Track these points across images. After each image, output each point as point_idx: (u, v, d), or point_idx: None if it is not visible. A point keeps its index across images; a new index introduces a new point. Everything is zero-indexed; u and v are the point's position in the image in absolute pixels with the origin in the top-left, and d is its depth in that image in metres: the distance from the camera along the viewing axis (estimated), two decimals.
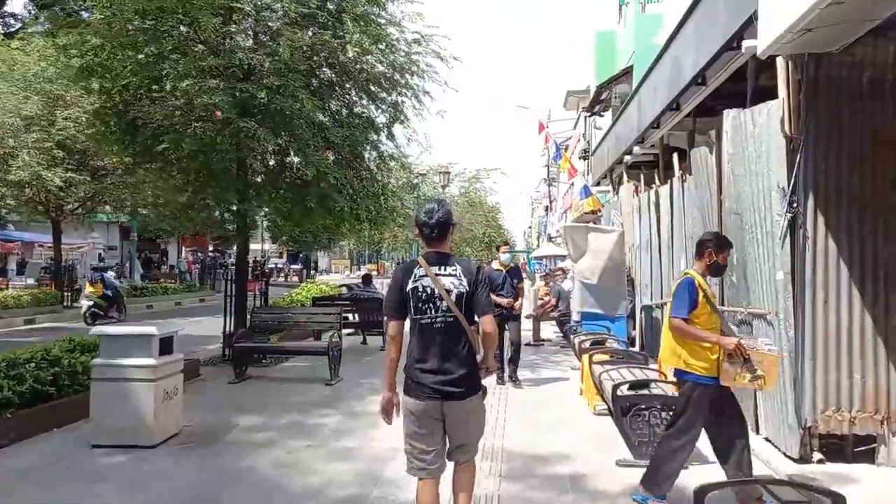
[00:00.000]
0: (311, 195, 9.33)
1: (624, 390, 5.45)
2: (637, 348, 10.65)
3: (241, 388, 8.36)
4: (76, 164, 17.26)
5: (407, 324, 3.48)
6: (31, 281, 21.81)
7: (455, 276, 3.40)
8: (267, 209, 9.90)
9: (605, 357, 7.42)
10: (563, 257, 23.48)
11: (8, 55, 17.11)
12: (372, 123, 11.02)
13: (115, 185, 18.00)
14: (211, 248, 42.98)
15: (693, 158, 7.71)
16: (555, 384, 8.82)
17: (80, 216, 20.05)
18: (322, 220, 9.56)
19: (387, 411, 3.46)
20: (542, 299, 18.97)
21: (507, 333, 8.64)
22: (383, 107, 11.33)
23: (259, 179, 10.09)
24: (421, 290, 3.37)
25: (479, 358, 3.45)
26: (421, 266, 3.42)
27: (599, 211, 19.35)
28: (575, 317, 10.23)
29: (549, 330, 14.44)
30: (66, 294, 19.44)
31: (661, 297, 9.98)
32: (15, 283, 21.27)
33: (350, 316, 11.80)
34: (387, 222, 11.14)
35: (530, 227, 77.97)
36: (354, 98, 11.34)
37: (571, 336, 9.75)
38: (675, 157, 9.27)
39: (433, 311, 3.34)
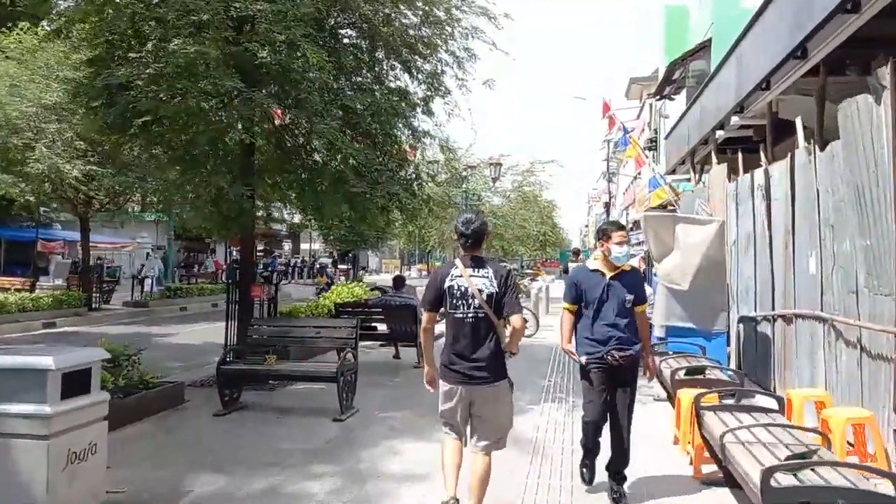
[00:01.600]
0: (323, 177, 7.37)
1: (782, 479, 3.22)
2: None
3: (225, 423, 6.44)
4: (101, 157, 15.93)
5: None
6: (59, 281, 20.73)
7: (487, 277, 3.79)
8: (263, 193, 7.97)
9: (714, 398, 5.17)
10: (631, 256, 20.96)
11: (31, 42, 15.92)
12: (406, 96, 9.02)
13: (141, 179, 16.61)
14: (260, 248, 42.04)
15: (844, 116, 5.37)
16: (637, 424, 6.56)
17: (112, 212, 18.82)
18: (336, 209, 7.58)
19: (430, 383, 3.99)
20: None
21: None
22: (420, 77, 9.33)
23: (265, 159, 8.23)
24: (456, 288, 3.79)
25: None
26: (458, 267, 3.84)
27: (672, 204, 16.83)
28: (657, 332, 7.95)
29: None
30: (94, 296, 18.18)
31: (773, 308, 7.62)
32: (44, 284, 20.23)
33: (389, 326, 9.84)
34: (421, 213, 9.10)
35: (587, 226, 74.83)
36: (386, 68, 9.37)
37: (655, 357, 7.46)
38: (799, 122, 6.89)
39: (466, 307, 3.76)
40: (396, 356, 10.25)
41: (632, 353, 4.50)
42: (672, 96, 20.79)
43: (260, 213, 9.43)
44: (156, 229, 34.58)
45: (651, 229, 7.94)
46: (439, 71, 9.32)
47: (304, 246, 47.18)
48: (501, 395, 3.80)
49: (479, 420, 3.77)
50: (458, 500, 3.69)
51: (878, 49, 7.29)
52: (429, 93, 9.37)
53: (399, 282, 10.22)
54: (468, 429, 3.84)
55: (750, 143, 10.42)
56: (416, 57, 9.13)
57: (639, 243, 23.63)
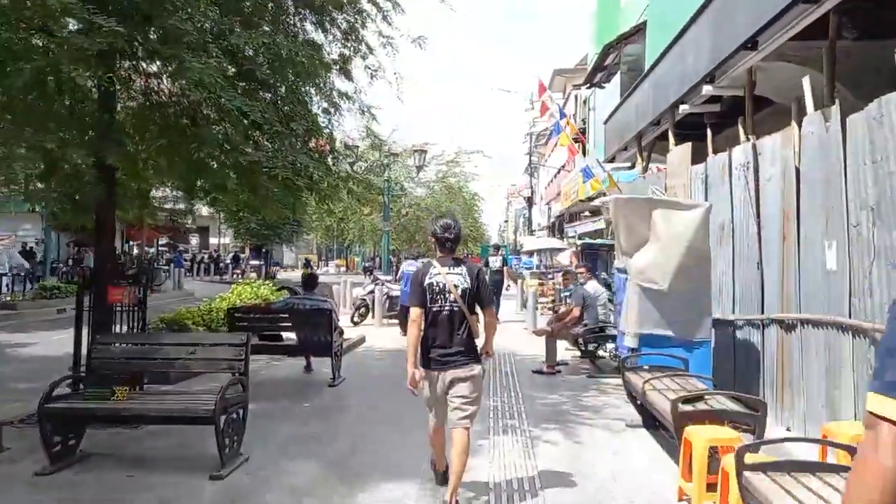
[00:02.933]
0: (203, 141, 5.39)
1: None
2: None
3: (47, 490, 4.37)
4: None
5: None
6: None
7: (461, 275, 4.14)
8: (129, 165, 5.84)
9: (761, 456, 3.62)
10: (560, 251, 19.64)
11: None
12: (318, 50, 7.14)
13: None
14: (163, 242, 38.48)
15: None
16: (616, 466, 4.99)
17: None
18: (222, 184, 5.61)
19: (413, 385, 4.09)
20: (551, 305, 15.22)
21: None
22: (336, 32, 7.49)
23: (126, 117, 6.13)
24: (435, 284, 4.12)
25: (478, 342, 4.24)
26: (436, 267, 4.18)
27: (607, 194, 15.62)
28: (628, 342, 6.43)
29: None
30: None
31: (762, 310, 6.28)
32: None
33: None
34: (338, 194, 7.24)
35: (506, 222, 74.40)
36: (294, 20, 7.45)
37: (628, 373, 5.93)
38: (807, 83, 5.52)
39: (443, 302, 4.09)
40: (308, 369, 8.32)
41: None
42: (603, 84, 19.71)
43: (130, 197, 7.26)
44: (42, 221, 30.66)
45: (620, 216, 6.42)
46: (359, 24, 7.53)
47: (212, 240, 43.71)
48: (475, 376, 4.08)
49: (455, 400, 4.04)
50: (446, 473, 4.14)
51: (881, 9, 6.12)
52: (345, 50, 7.56)
53: (310, 281, 8.25)
54: (446, 411, 4.14)
55: (699, 127, 9.15)
56: (331, 7, 7.29)
57: (572, 236, 22.52)
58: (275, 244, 33.78)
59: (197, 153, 5.30)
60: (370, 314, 14.15)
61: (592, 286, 9.20)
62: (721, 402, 4.59)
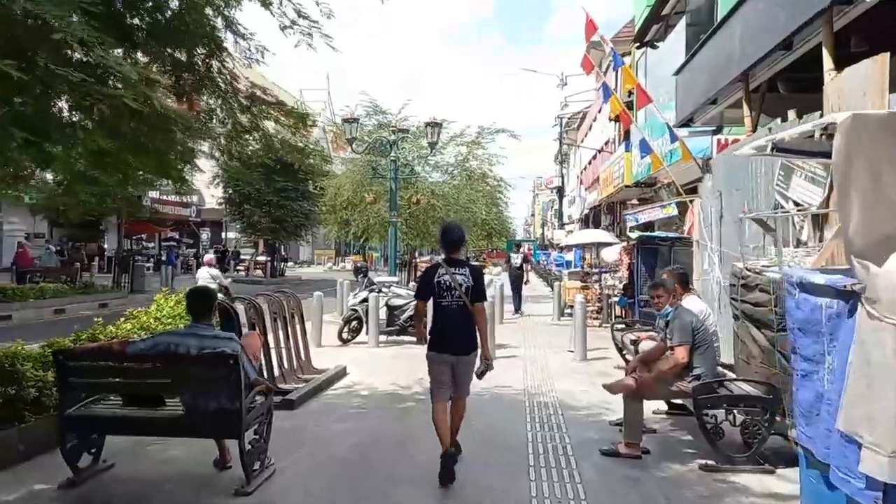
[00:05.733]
0: None
1: None
2: None
3: None
4: None
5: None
6: None
7: (465, 274, 4.78)
8: None
9: None
10: (607, 245, 15.69)
11: None
12: None
13: None
14: (166, 237, 35.46)
15: None
16: None
17: None
18: None
19: (419, 339, 5.19)
20: (597, 316, 11.24)
21: None
22: None
23: None
24: (443, 282, 4.77)
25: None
26: (443, 267, 4.82)
27: (668, 176, 11.80)
28: (871, 468, 2.68)
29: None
30: None
31: None
32: None
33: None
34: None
35: (532, 216, 70.41)
36: None
37: None
38: None
39: (450, 297, 4.74)
40: (222, 462, 4.64)
41: None
42: (656, 43, 15.82)
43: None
44: (30, 213, 27.69)
45: (859, 160, 2.63)
46: None
47: (226, 235, 40.53)
48: (473, 361, 4.82)
49: (458, 378, 4.78)
50: (453, 451, 4.61)
51: None
52: None
53: (199, 305, 4.42)
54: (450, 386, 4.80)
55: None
56: None
57: (610, 224, 18.43)
58: (282, 239, 30.36)
59: None
60: (363, 329, 10.61)
61: (695, 305, 5.45)
62: None
